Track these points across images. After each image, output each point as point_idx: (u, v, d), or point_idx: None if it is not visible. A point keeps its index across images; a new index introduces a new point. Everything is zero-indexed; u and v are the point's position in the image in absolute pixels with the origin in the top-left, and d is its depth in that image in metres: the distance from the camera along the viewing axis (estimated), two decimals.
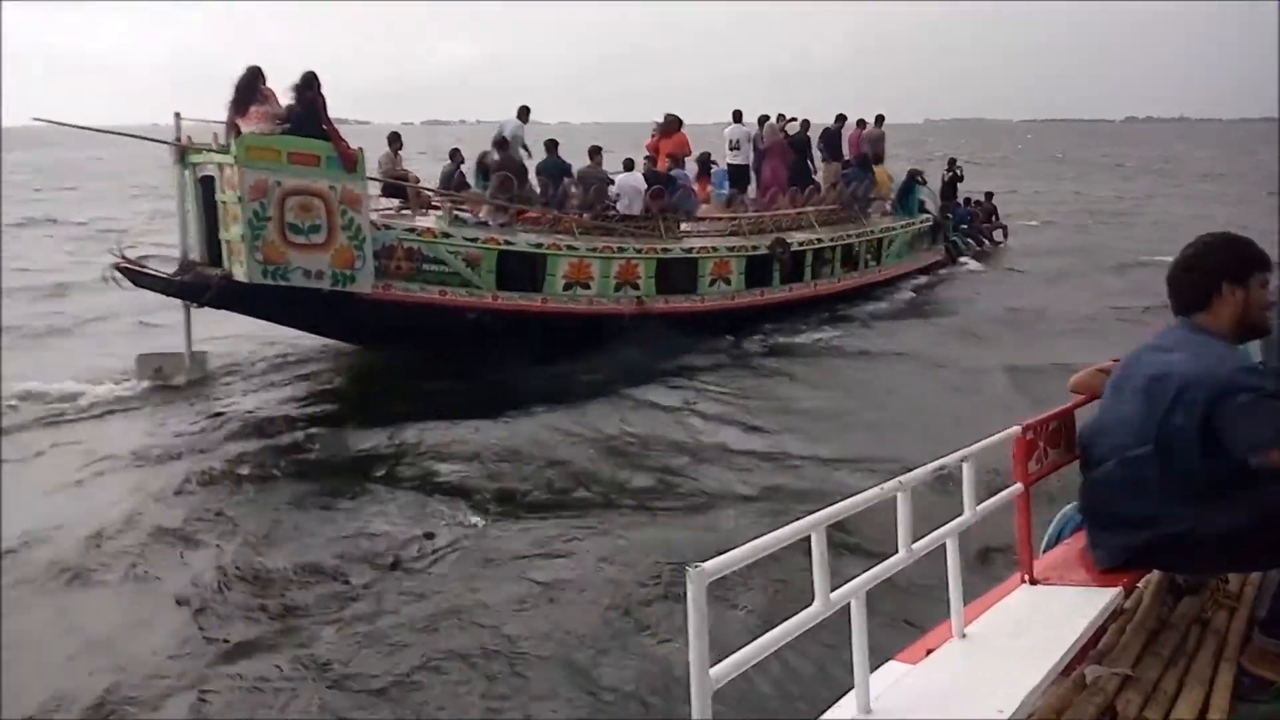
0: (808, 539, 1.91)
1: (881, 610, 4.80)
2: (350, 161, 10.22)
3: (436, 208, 12.49)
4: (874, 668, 2.27)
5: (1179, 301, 2.79)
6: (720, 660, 1.73)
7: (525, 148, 13.49)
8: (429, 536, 6.65)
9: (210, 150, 10.33)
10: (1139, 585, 2.85)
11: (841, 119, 17.91)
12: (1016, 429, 2.75)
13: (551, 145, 13.46)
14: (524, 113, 14.68)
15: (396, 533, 6.72)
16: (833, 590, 1.96)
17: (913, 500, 2.23)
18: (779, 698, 4.41)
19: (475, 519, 6.95)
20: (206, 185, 10.44)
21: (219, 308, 10.62)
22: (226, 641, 5.34)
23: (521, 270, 11.60)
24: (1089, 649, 2.53)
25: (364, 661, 5.10)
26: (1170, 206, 32.88)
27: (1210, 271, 2.71)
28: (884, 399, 10.36)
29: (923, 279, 17.51)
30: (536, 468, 8.15)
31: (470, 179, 13.09)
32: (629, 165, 13.46)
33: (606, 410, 9.74)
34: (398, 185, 12.69)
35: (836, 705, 2.19)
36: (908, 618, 4.54)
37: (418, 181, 13.10)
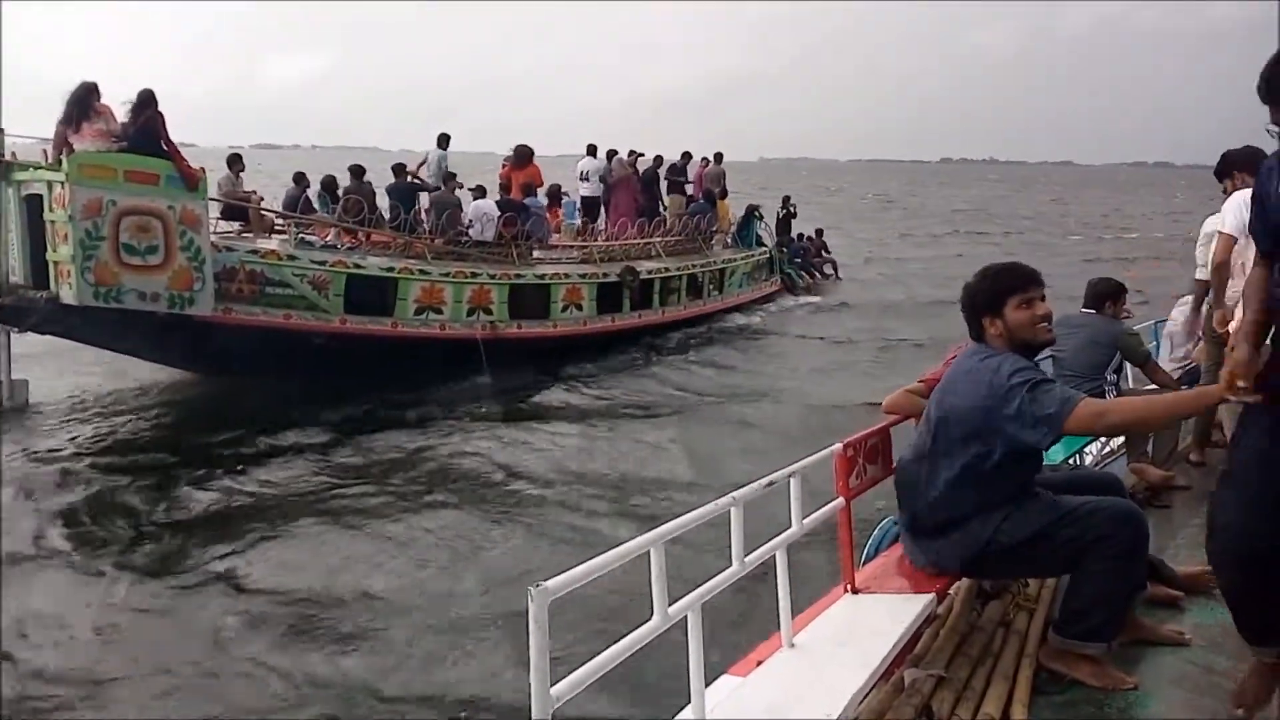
0: (647, 555, 1.96)
1: (727, 623, 4.96)
2: (193, 181, 9.79)
3: (280, 231, 12.08)
4: (710, 681, 2.34)
5: (970, 331, 3.03)
6: (562, 678, 1.74)
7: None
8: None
9: (39, 167, 9.71)
10: (950, 592, 3.03)
11: (687, 156, 18.39)
12: (838, 446, 2.89)
13: (399, 170, 13.30)
14: (444, 140, 14.51)
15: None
16: (671, 604, 2.01)
17: (746, 515, 2.32)
18: (625, 713, 4.44)
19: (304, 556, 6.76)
20: (32, 204, 9.76)
21: (44, 333, 9.94)
22: None
23: (371, 294, 11.30)
24: (906, 653, 2.67)
25: None
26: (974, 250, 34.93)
27: (971, 308, 2.95)
28: (724, 421, 10.63)
29: (760, 308, 18.06)
30: (378, 488, 8.04)
31: (315, 203, 12.76)
32: (481, 192, 13.41)
33: (455, 434, 9.64)
34: (239, 207, 12.23)
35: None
36: (751, 629, 4.69)
37: (260, 203, 12.67)
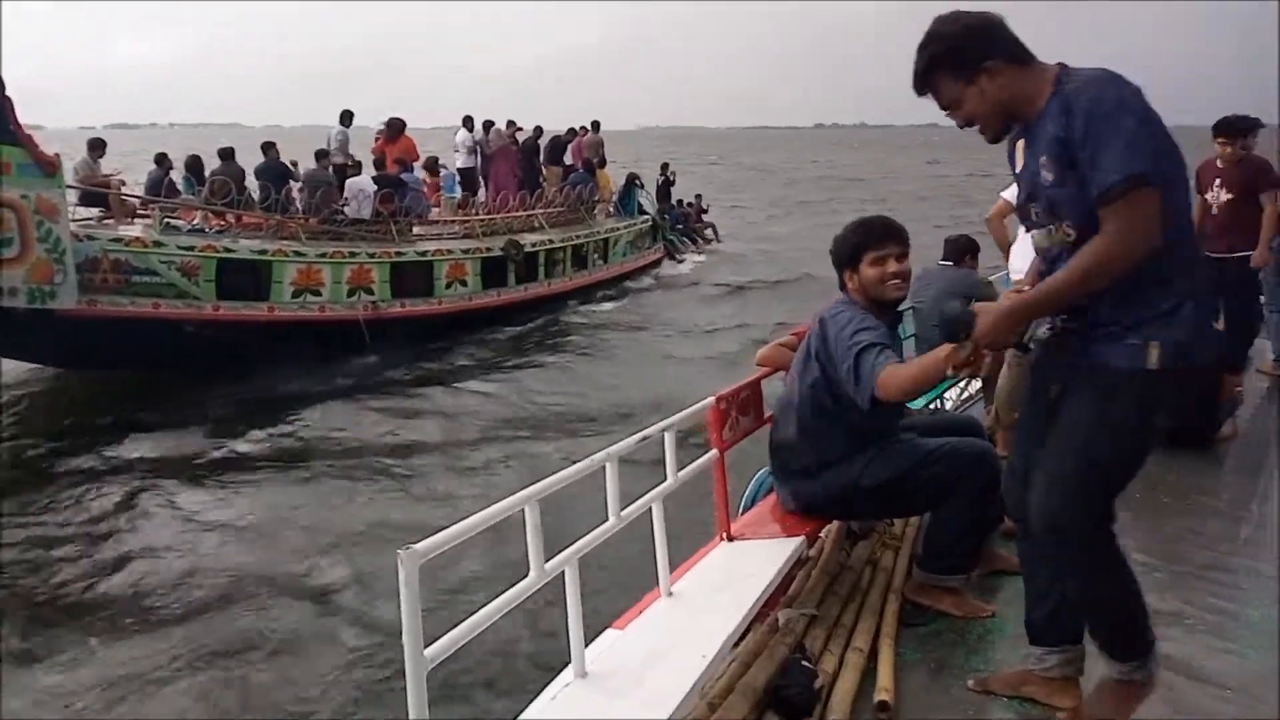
0: (522, 514, 1.98)
1: (618, 579, 5.07)
2: (49, 168, 9.26)
3: (144, 216, 11.54)
4: (595, 636, 2.39)
5: (838, 283, 3.13)
6: (436, 639, 1.75)
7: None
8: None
9: None
10: (821, 535, 3.16)
11: (572, 131, 18.35)
12: (710, 400, 2.97)
13: (269, 148, 12.86)
14: (346, 117, 14.00)
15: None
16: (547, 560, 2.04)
17: (629, 470, 2.37)
18: (511, 672, 4.51)
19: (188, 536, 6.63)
20: None
21: None
22: None
23: (244, 279, 10.91)
24: (781, 594, 2.78)
25: None
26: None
27: (835, 263, 3.07)
28: (608, 384, 10.80)
29: (645, 275, 18.23)
30: (259, 473, 7.93)
31: (180, 185, 12.24)
32: (356, 169, 13.07)
33: (337, 416, 9.52)
34: (98, 193, 11.62)
35: (559, 677, 2.27)
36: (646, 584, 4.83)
37: (121, 188, 12.07)
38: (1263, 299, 6.92)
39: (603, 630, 2.52)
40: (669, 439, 2.73)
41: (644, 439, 2.54)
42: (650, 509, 2.60)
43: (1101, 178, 1.98)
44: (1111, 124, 1.99)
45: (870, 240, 2.97)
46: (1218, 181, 6.31)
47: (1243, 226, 6.20)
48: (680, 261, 19.99)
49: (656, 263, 19.14)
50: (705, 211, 23.58)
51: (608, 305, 15.73)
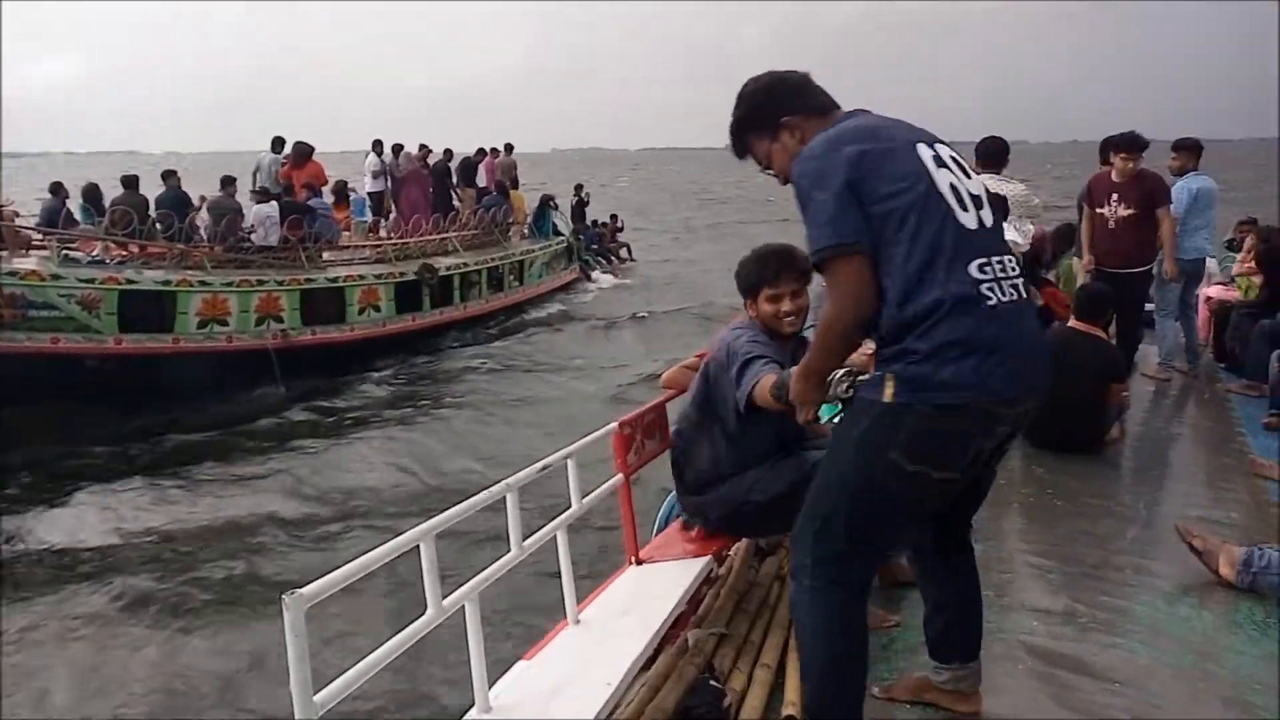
0: (418, 550, 1.95)
1: (530, 611, 5.03)
2: None
3: (40, 247, 11.13)
4: (505, 670, 2.38)
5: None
6: (327, 684, 1.70)
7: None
8: None
9: None
10: (730, 553, 3.21)
11: (480, 152, 18.25)
12: (614, 425, 2.99)
13: (169, 175, 12.52)
14: (277, 144, 13.65)
15: None
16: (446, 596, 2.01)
17: (536, 499, 2.37)
18: (416, 714, 4.43)
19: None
20: None
21: None
22: None
23: (148, 310, 10.56)
24: (690, 615, 2.81)
25: None
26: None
27: (739, 289, 3.12)
28: (523, 410, 10.76)
29: (561, 297, 18.21)
30: (165, 503, 7.73)
31: (78, 214, 11.82)
32: (263, 195, 12.80)
33: (241, 450, 9.28)
34: None
35: (465, 716, 2.23)
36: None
37: (15, 218, 11.62)
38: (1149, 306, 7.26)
39: (515, 663, 2.50)
40: (571, 466, 2.74)
41: (545, 468, 2.54)
42: (555, 537, 2.60)
43: (810, 253, 2.05)
44: (805, 197, 2.03)
45: (766, 277, 3.02)
46: (1114, 196, 6.45)
47: (1141, 241, 6.40)
48: (596, 281, 20.04)
49: (573, 283, 19.15)
50: (620, 230, 23.71)
51: (522, 328, 15.64)
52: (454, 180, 17.26)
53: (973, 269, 1.99)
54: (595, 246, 21.38)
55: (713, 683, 2.40)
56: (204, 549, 6.95)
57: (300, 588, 1.64)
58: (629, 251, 23.25)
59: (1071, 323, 5.47)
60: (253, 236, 12.12)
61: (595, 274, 20.37)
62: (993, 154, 5.83)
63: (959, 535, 2.41)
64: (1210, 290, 8.66)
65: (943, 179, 2.05)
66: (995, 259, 2.04)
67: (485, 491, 2.24)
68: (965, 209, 2.05)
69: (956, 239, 2.00)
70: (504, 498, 2.30)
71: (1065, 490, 4.63)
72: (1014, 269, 2.09)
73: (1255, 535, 4.03)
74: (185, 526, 7.39)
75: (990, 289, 1.99)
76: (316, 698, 1.66)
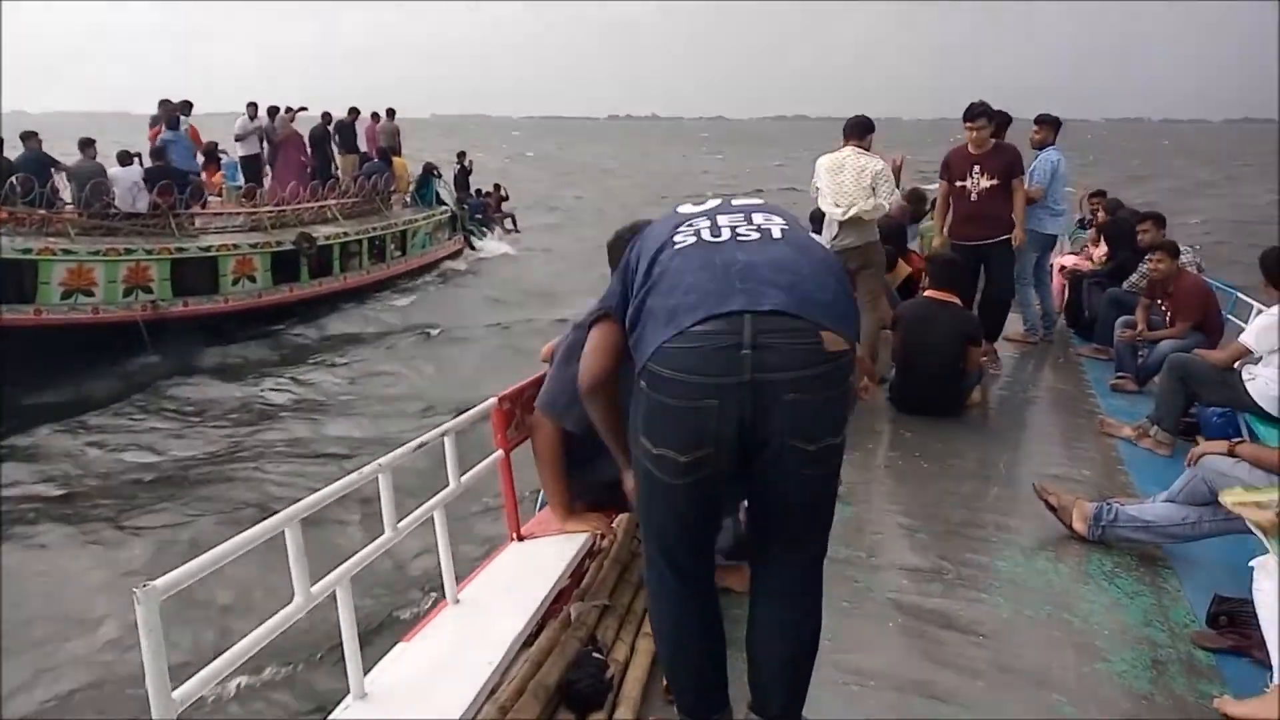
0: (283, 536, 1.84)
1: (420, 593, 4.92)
2: None
3: None
4: (383, 654, 2.29)
5: None
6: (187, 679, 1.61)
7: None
8: None
9: None
10: (614, 525, 3.17)
11: (354, 112, 17.43)
12: (493, 400, 2.90)
13: (29, 137, 11.67)
14: (186, 107, 12.75)
15: None
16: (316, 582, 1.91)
17: (404, 478, 2.27)
18: (299, 702, 4.30)
19: None
20: None
21: None
22: None
23: (7, 280, 9.90)
24: (573, 588, 2.77)
25: None
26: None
27: (611, 261, 3.04)
28: (404, 385, 10.54)
29: (445, 266, 17.80)
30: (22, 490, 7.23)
31: None
32: (126, 158, 12.05)
33: (106, 429, 8.81)
34: None
35: (341, 704, 2.14)
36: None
37: None
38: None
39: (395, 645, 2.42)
40: (449, 444, 2.64)
41: (421, 445, 2.44)
42: (432, 517, 2.50)
43: None
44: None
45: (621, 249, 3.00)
46: (976, 168, 6.43)
47: (1002, 211, 6.45)
48: (480, 251, 19.67)
49: (457, 253, 18.72)
50: (505, 199, 23.32)
51: (401, 301, 15.23)
52: (332, 145, 16.58)
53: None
54: (480, 216, 20.96)
55: (595, 655, 2.37)
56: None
57: (153, 580, 1.53)
58: (514, 222, 22.92)
59: (927, 292, 5.63)
60: (118, 203, 11.43)
61: (480, 244, 19.99)
62: (852, 128, 5.95)
63: (776, 554, 2.12)
64: (1063, 259, 9.06)
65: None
66: None
67: (355, 474, 2.13)
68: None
69: None
70: (375, 479, 2.20)
71: (931, 453, 4.78)
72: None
73: (1105, 491, 4.25)
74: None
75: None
76: (175, 694, 1.56)
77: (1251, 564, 2.66)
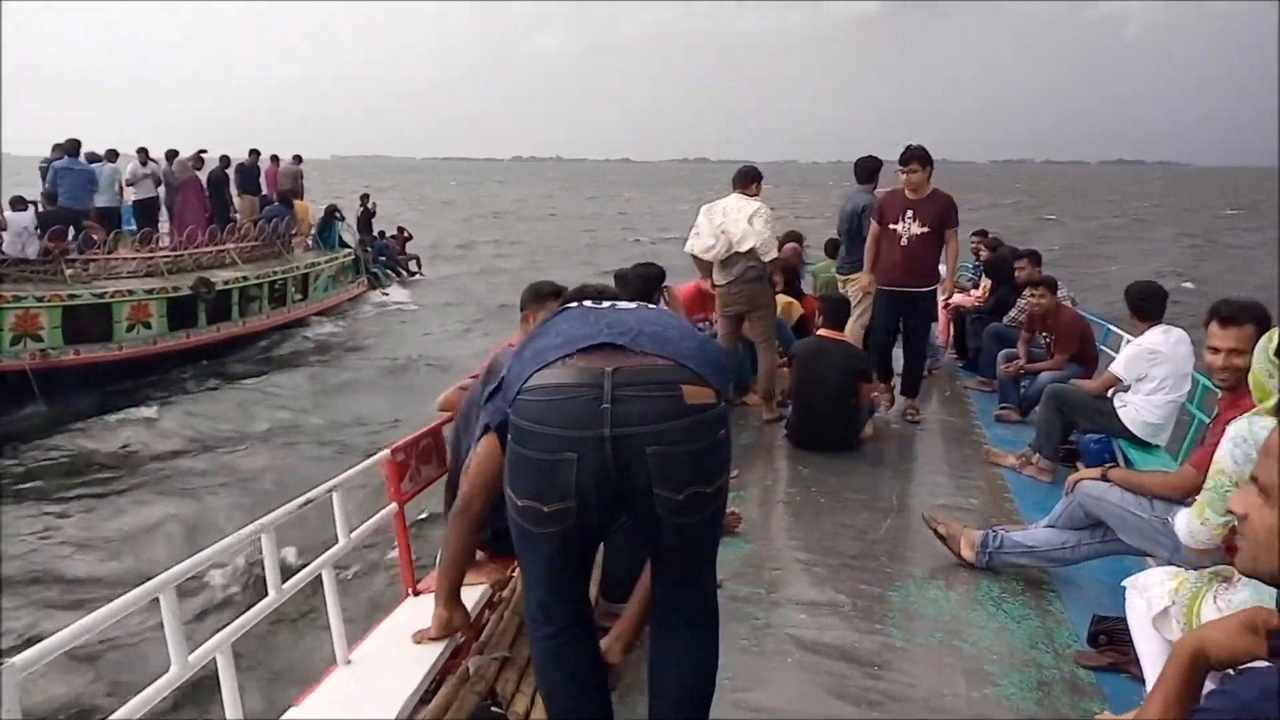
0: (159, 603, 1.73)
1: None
2: None
3: None
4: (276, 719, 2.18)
5: None
6: None
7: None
8: None
9: None
10: (513, 574, 3.10)
11: (255, 154, 17.06)
12: (386, 452, 2.81)
13: None
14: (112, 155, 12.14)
15: None
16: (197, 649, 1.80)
17: (291, 536, 2.18)
18: None
19: None
20: None
21: None
22: None
23: None
24: (472, 642, 2.68)
25: None
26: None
27: (523, 301, 3.19)
28: (307, 434, 10.15)
29: (348, 310, 17.39)
30: None
31: None
32: (19, 203, 11.51)
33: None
34: None
35: None
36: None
37: None
38: None
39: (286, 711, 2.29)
40: (337, 499, 2.55)
41: (307, 502, 2.35)
42: (320, 575, 2.40)
43: None
44: None
45: (527, 299, 3.13)
46: (910, 213, 6.02)
47: (930, 260, 6.12)
48: (385, 294, 19.32)
49: (361, 296, 18.34)
50: (409, 240, 23.01)
51: (305, 344, 14.78)
52: (231, 188, 16.14)
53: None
54: (384, 258, 20.62)
55: (494, 709, 2.30)
56: None
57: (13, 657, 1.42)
58: (419, 264, 22.62)
59: (819, 331, 5.74)
60: (7, 248, 10.88)
61: (385, 287, 19.63)
62: (739, 176, 6.07)
63: (668, 589, 2.13)
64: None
65: None
66: None
67: (234, 535, 2.03)
68: None
69: None
70: (259, 539, 2.09)
71: (827, 487, 4.84)
72: None
73: (992, 518, 4.36)
74: None
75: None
76: None
77: (1124, 583, 2.75)
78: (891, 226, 6.08)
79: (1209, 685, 1.27)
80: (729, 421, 2.02)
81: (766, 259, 5.91)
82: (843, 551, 3.97)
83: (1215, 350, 3.35)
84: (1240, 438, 2.58)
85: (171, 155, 15.13)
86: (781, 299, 6.98)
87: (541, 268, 22.97)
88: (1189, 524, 2.73)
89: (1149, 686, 2.61)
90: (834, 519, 4.38)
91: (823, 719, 2.66)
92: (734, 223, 5.83)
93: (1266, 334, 2.79)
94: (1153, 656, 2.56)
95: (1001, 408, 6.56)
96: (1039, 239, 31.23)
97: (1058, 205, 64.21)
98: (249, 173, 16.69)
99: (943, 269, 6.41)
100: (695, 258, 6.03)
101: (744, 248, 5.80)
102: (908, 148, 6.08)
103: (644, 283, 4.92)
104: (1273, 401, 2.56)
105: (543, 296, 3.08)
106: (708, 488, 1.95)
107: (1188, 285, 21.82)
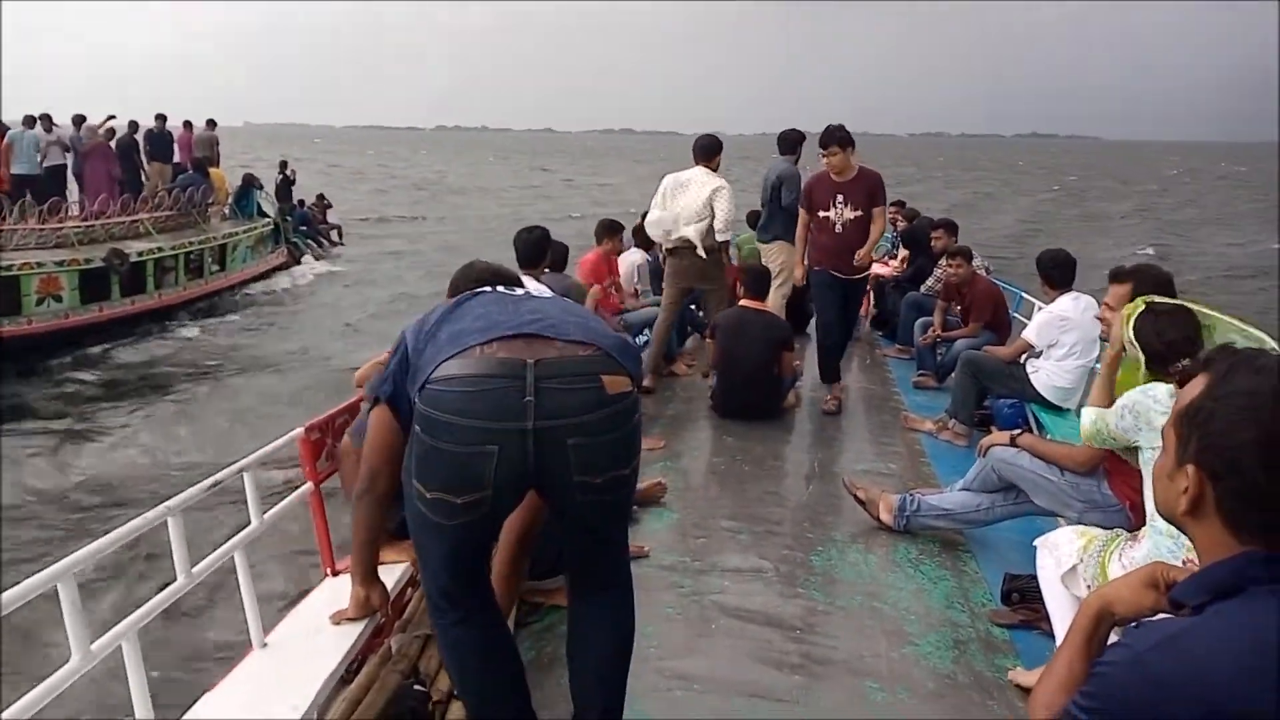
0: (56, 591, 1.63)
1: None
2: None
3: None
4: (190, 706, 2.10)
5: None
6: None
7: None
8: None
9: None
10: None
11: (162, 119, 16.28)
12: (299, 431, 2.72)
13: None
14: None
15: None
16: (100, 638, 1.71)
17: (203, 519, 2.10)
18: None
19: None
20: None
21: None
22: None
23: None
24: (394, 621, 2.62)
25: None
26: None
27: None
28: (222, 409, 9.80)
29: (266, 281, 16.82)
30: None
31: None
32: None
33: None
34: None
35: None
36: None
37: None
38: None
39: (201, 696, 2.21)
40: (249, 480, 2.45)
41: (216, 484, 2.26)
42: (233, 558, 2.31)
43: None
44: None
45: (462, 284, 2.95)
46: (840, 198, 5.70)
47: (861, 244, 5.72)
48: (305, 264, 18.78)
49: (281, 267, 17.78)
50: (329, 208, 22.40)
51: (222, 316, 14.32)
52: (142, 155, 15.47)
53: None
54: (305, 228, 20.02)
55: (418, 687, 2.25)
56: None
57: None
58: (339, 234, 22.07)
59: (741, 301, 5.75)
60: None
61: (305, 257, 19.08)
62: (701, 149, 6.04)
63: (581, 557, 2.16)
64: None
65: None
66: None
67: (139, 518, 1.93)
68: None
69: None
70: (164, 522, 2.00)
71: (751, 455, 4.87)
72: None
73: (910, 483, 4.45)
74: None
75: None
76: None
77: (1035, 543, 2.82)
78: (823, 214, 5.77)
79: (1114, 638, 1.32)
80: (640, 406, 2.05)
81: (700, 249, 5.86)
82: (767, 518, 4.00)
83: (1108, 307, 3.50)
84: (1127, 408, 2.73)
85: (79, 120, 14.45)
86: None
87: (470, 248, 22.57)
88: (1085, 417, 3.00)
89: (1058, 642, 2.70)
90: (759, 486, 4.42)
91: (748, 683, 2.68)
92: (688, 205, 5.78)
93: (1131, 304, 2.92)
94: (1062, 613, 2.63)
95: (919, 375, 6.69)
96: (994, 218, 32.03)
97: (994, 179, 65.47)
98: (159, 139, 15.97)
99: None
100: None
101: (680, 234, 5.80)
102: (827, 129, 5.76)
103: (535, 246, 4.97)
104: (1142, 370, 2.75)
105: (472, 280, 2.96)
106: (625, 469, 1.99)
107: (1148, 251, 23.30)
